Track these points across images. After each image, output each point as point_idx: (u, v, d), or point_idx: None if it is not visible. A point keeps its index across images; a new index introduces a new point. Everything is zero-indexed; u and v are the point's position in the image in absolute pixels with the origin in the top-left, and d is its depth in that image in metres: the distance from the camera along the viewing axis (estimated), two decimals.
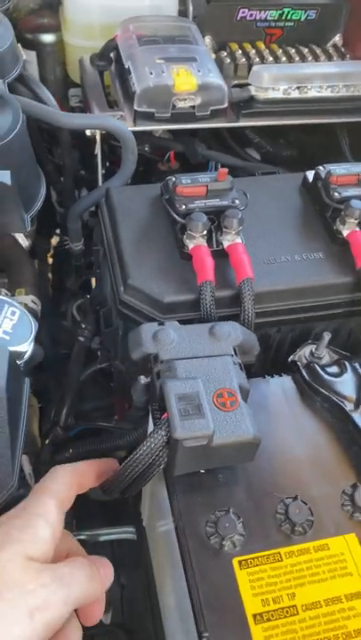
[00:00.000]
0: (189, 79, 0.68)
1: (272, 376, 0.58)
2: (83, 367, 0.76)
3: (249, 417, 0.46)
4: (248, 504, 0.48)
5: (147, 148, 0.91)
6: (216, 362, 0.49)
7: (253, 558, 0.45)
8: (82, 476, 0.48)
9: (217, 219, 0.60)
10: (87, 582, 0.42)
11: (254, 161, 0.93)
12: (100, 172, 0.78)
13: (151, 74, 0.68)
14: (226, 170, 0.61)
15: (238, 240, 0.60)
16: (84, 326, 0.77)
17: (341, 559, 0.46)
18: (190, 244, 0.59)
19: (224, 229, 0.59)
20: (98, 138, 0.71)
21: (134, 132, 0.71)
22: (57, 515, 0.43)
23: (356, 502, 0.48)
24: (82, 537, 0.76)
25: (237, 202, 0.61)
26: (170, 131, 0.88)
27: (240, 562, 0.45)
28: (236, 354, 0.51)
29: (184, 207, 0.59)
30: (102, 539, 0.76)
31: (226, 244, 0.60)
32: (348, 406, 0.54)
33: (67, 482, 0.46)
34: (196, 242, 0.59)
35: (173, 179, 0.61)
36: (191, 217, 0.58)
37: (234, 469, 0.49)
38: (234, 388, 0.47)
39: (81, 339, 0.76)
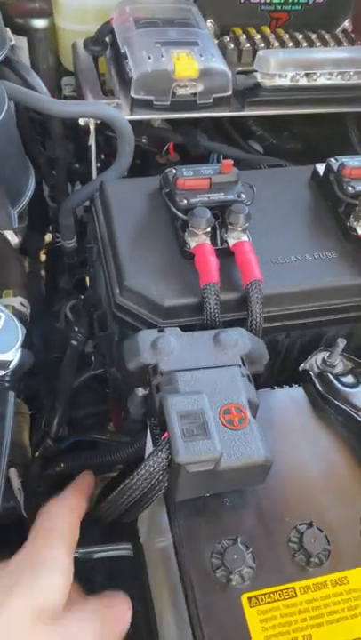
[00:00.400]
0: (191, 64, 0.63)
1: (281, 386, 0.53)
2: (76, 373, 0.71)
3: (260, 436, 0.41)
4: (258, 531, 0.43)
5: (144, 140, 0.86)
6: (222, 373, 0.44)
7: (265, 594, 0.40)
8: (78, 508, 0.45)
9: (221, 214, 0.55)
10: (99, 636, 0.39)
11: (258, 154, 0.88)
12: (95, 164, 0.73)
13: (149, 58, 0.63)
14: (231, 161, 0.56)
15: (245, 238, 0.55)
16: (77, 329, 0.72)
17: None
18: (192, 242, 0.54)
19: (229, 226, 0.55)
20: (92, 127, 0.66)
21: (131, 122, 0.66)
22: (69, 561, 0.41)
23: None
24: (75, 555, 0.71)
25: (243, 196, 0.56)
26: (169, 121, 0.83)
27: (250, 598, 0.40)
28: (243, 364, 0.46)
29: (185, 202, 0.55)
30: (97, 556, 0.72)
31: (231, 242, 0.55)
32: None
33: (69, 520, 0.43)
34: (198, 240, 0.54)
35: (174, 171, 0.57)
36: (194, 212, 0.53)
37: (242, 492, 0.45)
38: (242, 403, 0.42)
39: (74, 342, 0.72)
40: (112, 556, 0.71)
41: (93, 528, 0.71)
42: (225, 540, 0.42)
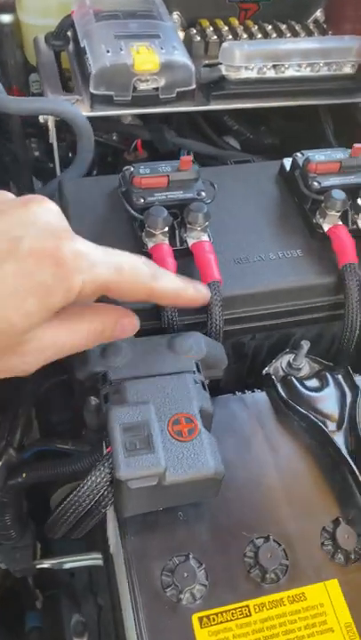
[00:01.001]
0: (151, 57, 0.61)
1: (243, 392, 0.51)
2: (43, 378, 0.68)
3: (210, 447, 0.39)
4: (212, 546, 0.41)
5: (114, 137, 0.84)
6: (174, 381, 0.42)
7: (217, 614, 0.38)
8: None
9: (180, 213, 0.53)
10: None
11: (232, 149, 0.86)
12: (57, 163, 0.71)
13: (108, 52, 0.61)
14: (190, 157, 0.54)
15: (205, 237, 0.53)
16: None
17: (320, 612, 0.39)
18: (150, 243, 0.52)
19: (188, 225, 0.52)
20: (50, 124, 0.64)
21: (94, 118, 0.64)
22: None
23: (337, 541, 0.41)
24: (45, 565, 0.69)
25: (203, 194, 0.54)
26: (140, 117, 0.81)
27: (200, 618, 0.38)
28: (198, 370, 0.44)
29: (142, 201, 0.52)
30: (67, 566, 0.70)
31: (190, 241, 0.53)
32: (331, 426, 0.48)
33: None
34: (156, 240, 0.52)
35: (131, 169, 0.54)
36: (150, 212, 0.51)
37: (197, 505, 0.43)
38: (193, 412, 0.40)
39: None
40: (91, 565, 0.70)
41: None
42: (176, 556, 0.40)
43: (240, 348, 0.58)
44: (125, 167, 0.55)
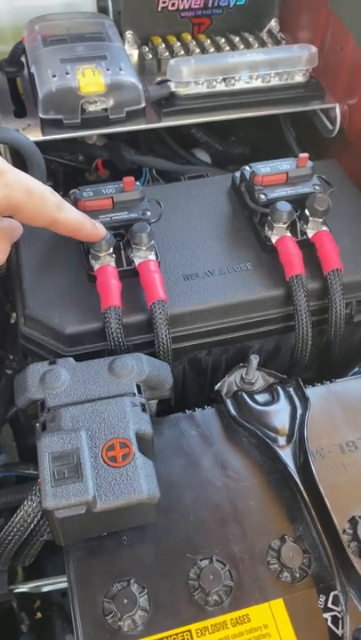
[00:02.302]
0: (96, 79, 0.61)
1: (194, 410, 0.51)
2: (8, 405, 0.69)
3: (144, 471, 0.39)
4: (156, 570, 0.41)
5: (80, 157, 0.84)
6: (111, 405, 0.42)
7: None
8: None
9: (126, 234, 0.53)
10: None
11: (201, 163, 0.86)
12: None
13: (54, 77, 0.61)
14: (131, 178, 0.54)
15: (151, 256, 0.53)
16: (11, 357, 0.70)
17: (264, 633, 0.38)
18: (96, 265, 0.52)
19: (134, 246, 0.53)
20: (3, 152, 0.64)
21: (58, 140, 0.64)
22: None
23: (282, 559, 0.41)
24: (23, 589, 0.69)
25: (149, 213, 0.54)
26: (106, 136, 0.81)
27: None
28: (140, 391, 0.44)
29: None
30: (45, 589, 0.69)
31: (137, 261, 0.53)
32: (281, 440, 0.47)
33: None
34: (101, 262, 0.52)
35: (76, 192, 0.55)
36: None
37: (141, 528, 0.42)
38: (128, 437, 0.40)
39: (8, 371, 0.69)
40: None
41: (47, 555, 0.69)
42: (118, 582, 0.40)
43: (197, 363, 0.57)
44: (71, 191, 0.55)
